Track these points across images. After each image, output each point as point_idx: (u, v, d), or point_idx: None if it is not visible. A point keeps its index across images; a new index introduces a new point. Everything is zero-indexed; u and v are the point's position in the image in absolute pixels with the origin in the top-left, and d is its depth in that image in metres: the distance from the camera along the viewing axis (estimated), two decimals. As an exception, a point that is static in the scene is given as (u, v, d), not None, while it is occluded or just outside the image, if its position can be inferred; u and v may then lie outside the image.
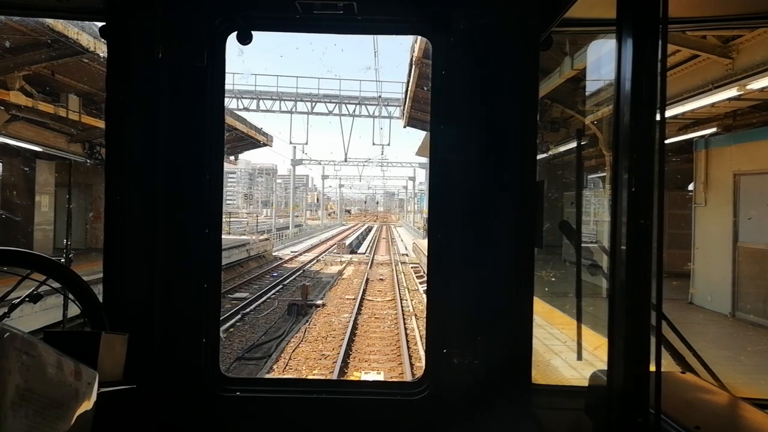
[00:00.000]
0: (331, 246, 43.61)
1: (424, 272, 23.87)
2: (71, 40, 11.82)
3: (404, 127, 28.71)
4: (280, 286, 22.29)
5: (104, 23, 2.44)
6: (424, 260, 19.20)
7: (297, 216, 78.39)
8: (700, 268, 13.55)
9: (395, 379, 10.98)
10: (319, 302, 18.70)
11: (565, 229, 2.67)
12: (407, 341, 13.89)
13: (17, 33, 12.07)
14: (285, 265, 30.10)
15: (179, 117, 2.48)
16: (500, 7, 2.47)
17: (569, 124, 15.55)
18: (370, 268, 29.60)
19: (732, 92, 9.91)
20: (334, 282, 24.04)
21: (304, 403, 2.53)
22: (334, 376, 11.16)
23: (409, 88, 20.87)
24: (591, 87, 12.73)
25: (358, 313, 17.40)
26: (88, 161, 19.29)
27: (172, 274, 2.48)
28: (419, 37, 13.72)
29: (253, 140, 28.52)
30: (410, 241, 46.30)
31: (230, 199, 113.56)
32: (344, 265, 30.94)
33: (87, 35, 12.01)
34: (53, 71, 14.22)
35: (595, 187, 17.62)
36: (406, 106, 24.45)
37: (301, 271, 27.51)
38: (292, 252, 37.44)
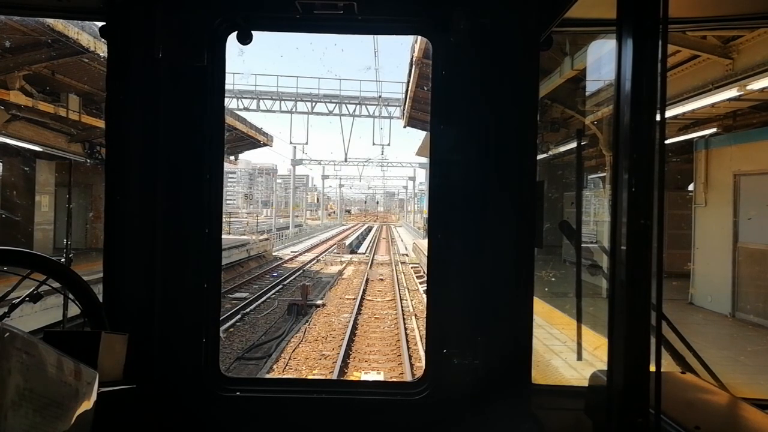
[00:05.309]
0: (331, 246, 43.61)
1: (424, 272, 23.87)
2: (71, 40, 11.82)
3: (404, 127, 28.73)
4: (280, 286, 22.30)
5: (104, 23, 2.44)
6: (424, 260, 19.22)
7: (297, 216, 78.36)
8: (700, 269, 13.55)
9: (395, 379, 10.98)
10: (319, 302, 18.69)
11: (565, 229, 2.67)
12: (407, 341, 13.89)
13: (17, 33, 12.07)
14: (285, 265, 30.10)
15: (179, 117, 2.48)
16: (500, 7, 2.47)
17: (569, 124, 15.55)
18: (370, 268, 29.60)
19: (732, 92, 9.91)
20: (334, 282, 24.03)
21: (304, 403, 2.53)
22: (334, 376, 11.16)
23: (409, 88, 20.87)
24: (591, 87, 12.74)
25: (358, 313, 17.40)
26: (88, 161, 19.28)
27: (172, 274, 2.48)
28: (419, 37, 13.72)
29: (253, 140, 28.51)
30: (410, 241, 46.30)
31: (230, 199, 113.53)
32: (344, 265, 30.94)
33: (87, 35, 12.01)
34: (53, 71, 14.22)
35: (595, 187, 17.63)
36: (406, 106, 24.46)
37: (301, 271, 27.51)
38: (292, 252, 37.44)
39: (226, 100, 3.04)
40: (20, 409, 1.28)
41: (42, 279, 2.00)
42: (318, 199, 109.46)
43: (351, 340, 14.08)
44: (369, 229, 77.08)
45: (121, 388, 1.85)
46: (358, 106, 41.21)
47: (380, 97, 41.54)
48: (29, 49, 12.90)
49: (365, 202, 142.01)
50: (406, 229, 76.59)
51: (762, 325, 11.28)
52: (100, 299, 2.08)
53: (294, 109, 40.33)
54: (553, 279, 12.56)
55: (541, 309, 10.72)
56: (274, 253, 34.69)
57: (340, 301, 19.71)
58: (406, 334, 14.56)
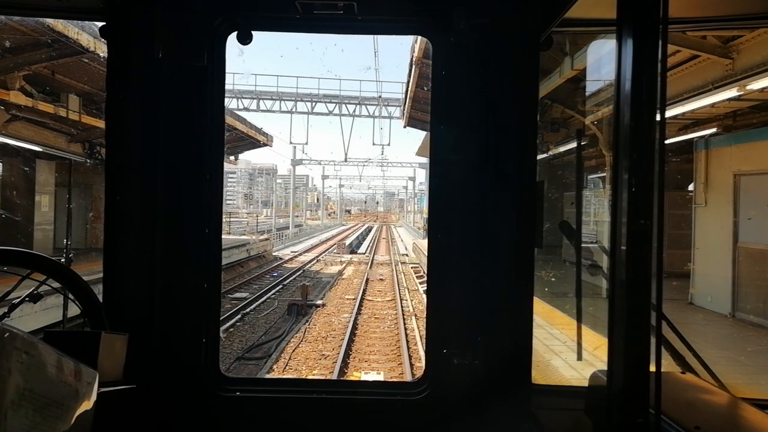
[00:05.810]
0: (331, 246, 43.60)
1: (424, 272, 23.86)
2: (71, 40, 11.81)
3: (404, 127, 28.73)
4: (280, 286, 22.29)
5: (104, 23, 2.44)
6: (424, 260, 19.21)
7: (297, 216, 78.36)
8: (700, 269, 13.55)
9: (395, 380, 10.98)
10: (319, 302, 18.69)
11: (565, 229, 2.67)
12: (407, 341, 13.89)
13: (17, 33, 12.07)
14: (285, 265, 30.10)
15: (179, 117, 2.48)
16: (500, 7, 2.47)
17: (569, 124, 15.56)
18: (370, 268, 29.59)
19: (732, 92, 9.90)
20: (334, 282, 24.03)
21: (304, 403, 2.53)
22: (334, 376, 11.16)
23: (409, 88, 20.86)
24: (591, 87, 12.75)
25: (358, 313, 17.39)
26: (88, 161, 19.28)
27: (172, 274, 2.48)
28: (419, 37, 13.71)
29: (253, 140, 28.50)
30: (410, 241, 46.30)
31: (230, 199, 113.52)
32: (344, 265, 30.93)
33: (87, 35, 12.01)
34: (53, 71, 14.22)
35: (595, 187, 17.63)
36: (406, 106, 24.45)
37: (301, 271, 27.50)
38: (292, 252, 37.43)
39: (226, 100, 3.04)
40: (20, 409, 1.28)
41: (42, 279, 2.00)
42: (318, 199, 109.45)
43: (351, 340, 14.07)
44: (369, 229, 77.07)
45: (121, 388, 1.85)
46: (358, 106, 41.21)
47: (380, 97, 41.55)
48: (29, 49, 12.89)
49: (365, 202, 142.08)
50: (406, 229, 76.61)
51: (762, 325, 11.28)
52: (100, 299, 2.08)
53: (294, 109, 40.33)
54: (553, 279, 12.56)
55: (541, 309, 10.72)
56: (274, 253, 34.68)
57: (340, 301, 19.70)
58: (406, 334, 14.56)
